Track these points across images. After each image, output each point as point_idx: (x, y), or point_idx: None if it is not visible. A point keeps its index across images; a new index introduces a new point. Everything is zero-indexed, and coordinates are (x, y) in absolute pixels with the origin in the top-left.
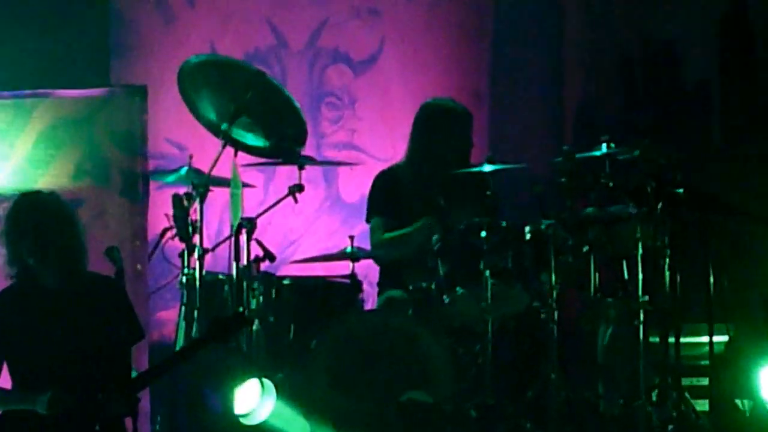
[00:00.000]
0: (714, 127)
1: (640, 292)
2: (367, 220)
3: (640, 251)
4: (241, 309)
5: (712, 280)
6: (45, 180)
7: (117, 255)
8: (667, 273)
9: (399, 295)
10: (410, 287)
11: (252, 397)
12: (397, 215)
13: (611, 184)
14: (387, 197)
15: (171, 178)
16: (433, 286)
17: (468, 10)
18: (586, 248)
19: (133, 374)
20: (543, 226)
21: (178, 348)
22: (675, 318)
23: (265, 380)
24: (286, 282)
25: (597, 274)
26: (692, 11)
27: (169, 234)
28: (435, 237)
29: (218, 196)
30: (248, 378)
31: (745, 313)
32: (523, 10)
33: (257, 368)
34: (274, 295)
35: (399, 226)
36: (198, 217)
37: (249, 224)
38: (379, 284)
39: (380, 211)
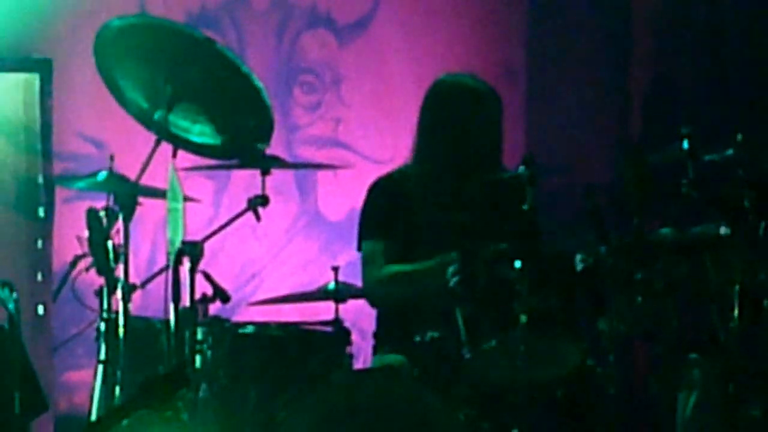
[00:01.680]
0: None
1: (735, 346)
2: (359, 247)
3: (737, 289)
4: (180, 364)
5: None
6: None
7: (9, 293)
8: None
9: (399, 363)
10: (417, 340)
11: None
12: (401, 238)
13: (695, 196)
14: (387, 215)
15: (84, 183)
16: (449, 338)
17: None
18: (660, 285)
19: None
20: (601, 254)
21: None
22: None
23: None
24: (245, 331)
25: (676, 321)
26: None
27: (82, 264)
28: (452, 269)
29: (151, 211)
30: None
31: None
32: None
33: None
34: (228, 349)
35: (404, 255)
36: (123, 241)
37: (193, 250)
38: (375, 335)
39: (378, 234)
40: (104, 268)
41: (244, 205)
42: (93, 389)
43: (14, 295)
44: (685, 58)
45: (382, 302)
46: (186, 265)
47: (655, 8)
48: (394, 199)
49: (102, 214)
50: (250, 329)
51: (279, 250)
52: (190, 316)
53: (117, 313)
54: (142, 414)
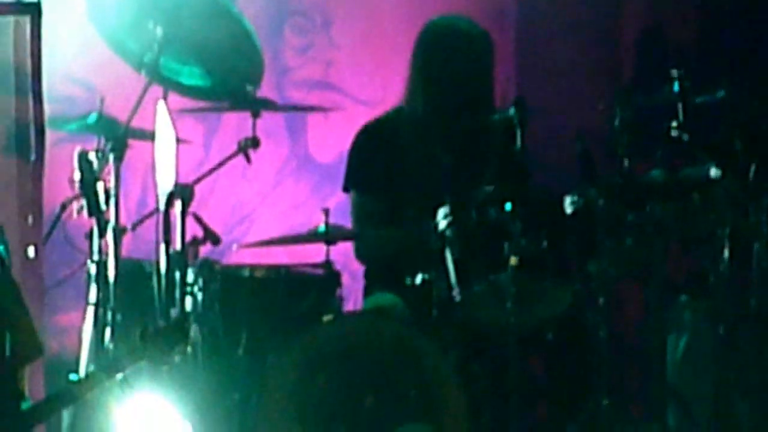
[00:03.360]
0: None
1: (725, 289)
2: (345, 189)
3: (727, 231)
4: (176, 316)
5: None
6: None
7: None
8: (763, 262)
9: (390, 301)
10: (408, 283)
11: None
12: (385, 187)
13: (685, 138)
14: (373, 163)
15: (75, 126)
16: (439, 279)
17: None
18: (650, 227)
19: (26, 404)
20: (591, 197)
21: (85, 366)
22: None
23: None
24: (235, 273)
25: (666, 263)
26: None
27: (72, 207)
28: (443, 212)
29: (141, 153)
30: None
31: None
32: None
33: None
34: (218, 292)
35: (388, 204)
36: (113, 184)
37: (184, 193)
38: (366, 276)
39: (362, 183)
40: (95, 211)
41: (234, 147)
42: (83, 332)
43: (4, 237)
44: (674, 8)
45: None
46: (177, 207)
47: None
48: (381, 147)
49: (92, 156)
50: (240, 272)
51: (269, 192)
52: (181, 258)
53: (107, 255)
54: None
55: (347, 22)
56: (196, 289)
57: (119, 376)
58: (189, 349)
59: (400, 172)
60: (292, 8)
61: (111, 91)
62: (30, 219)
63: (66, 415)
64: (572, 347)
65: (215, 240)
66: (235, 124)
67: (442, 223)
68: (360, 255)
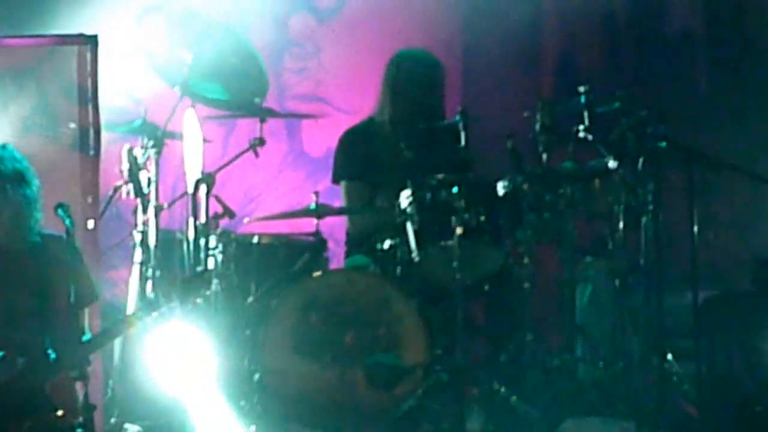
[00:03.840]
0: (700, 78)
1: (619, 251)
2: (334, 180)
3: (622, 208)
4: (201, 269)
5: (696, 238)
6: None
7: (67, 212)
8: (649, 231)
9: (364, 262)
10: (378, 247)
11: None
12: (366, 176)
13: (590, 138)
14: (353, 159)
15: (124, 129)
16: (402, 245)
17: None
18: (563, 205)
19: (86, 336)
20: (518, 182)
21: (131, 309)
22: (657, 277)
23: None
24: (247, 240)
25: (575, 232)
26: None
27: (122, 190)
28: (405, 194)
29: (175, 150)
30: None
31: (733, 273)
32: None
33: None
34: (234, 254)
35: (369, 188)
36: (153, 172)
37: (208, 180)
38: (346, 243)
39: (351, 173)
40: (139, 193)
41: (246, 145)
42: (130, 284)
43: (71, 213)
44: (582, 37)
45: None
46: (202, 190)
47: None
48: (359, 145)
49: (137, 152)
50: (250, 239)
51: (273, 179)
52: (205, 229)
53: (149, 227)
54: (170, 306)
55: (334, 51)
56: (216, 252)
57: (156, 314)
58: (210, 294)
59: (374, 165)
60: (291, 39)
61: (152, 103)
62: (89, 199)
63: (117, 343)
64: (504, 296)
65: (231, 215)
66: (247, 127)
67: (405, 202)
68: (352, 226)
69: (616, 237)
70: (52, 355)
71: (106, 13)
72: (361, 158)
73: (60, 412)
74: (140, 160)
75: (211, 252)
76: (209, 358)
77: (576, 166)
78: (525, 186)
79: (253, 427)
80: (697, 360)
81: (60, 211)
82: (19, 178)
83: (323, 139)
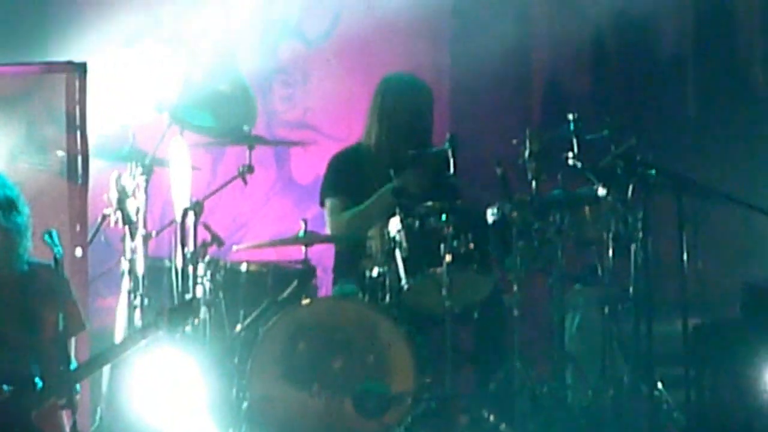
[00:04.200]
0: (689, 103)
1: (609, 279)
2: (321, 203)
3: (611, 235)
4: (188, 298)
5: (686, 265)
6: None
7: (56, 240)
8: (639, 258)
9: (352, 289)
10: (366, 275)
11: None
12: (355, 196)
13: (579, 165)
14: (345, 177)
15: (112, 157)
16: (391, 272)
17: None
18: (552, 232)
19: (73, 365)
20: (507, 209)
21: (120, 337)
22: (647, 305)
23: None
24: (236, 267)
25: (564, 259)
26: None
27: (110, 217)
28: (394, 221)
29: (163, 177)
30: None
31: (722, 300)
32: None
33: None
34: (222, 282)
35: (354, 205)
36: (142, 200)
37: (196, 207)
38: (334, 270)
39: (337, 191)
40: (127, 221)
41: (234, 172)
42: (118, 312)
43: (59, 240)
44: (571, 62)
45: (345, 240)
46: (190, 218)
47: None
48: (350, 166)
49: (126, 179)
50: (239, 267)
51: (261, 206)
52: (193, 257)
53: (137, 254)
54: (158, 335)
55: (321, 78)
56: (205, 280)
57: (144, 342)
58: (198, 323)
59: (362, 191)
60: (279, 67)
61: (140, 130)
62: (78, 227)
63: (105, 371)
64: (493, 323)
65: (220, 243)
66: (235, 154)
67: (393, 229)
68: (338, 240)
69: (606, 264)
70: (39, 384)
71: (95, 41)
72: (350, 179)
73: None
74: (129, 188)
75: (199, 280)
76: (197, 386)
77: (565, 194)
78: (514, 213)
79: None
80: (687, 388)
81: (48, 238)
82: (10, 206)
83: (312, 166)
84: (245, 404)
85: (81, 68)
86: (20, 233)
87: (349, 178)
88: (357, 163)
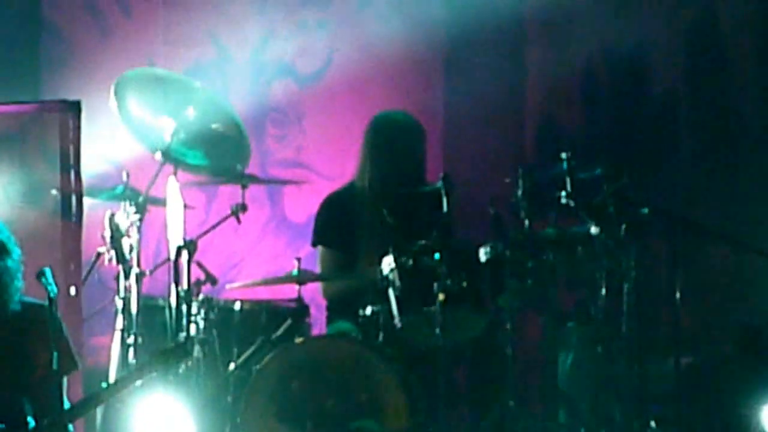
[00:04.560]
0: (682, 140)
1: (602, 317)
2: (312, 245)
3: (604, 274)
4: (182, 339)
5: (679, 304)
6: None
7: (50, 279)
8: (631, 298)
9: (347, 328)
10: (360, 313)
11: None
12: (344, 244)
13: (572, 204)
14: (334, 226)
15: (106, 196)
16: (384, 311)
17: (420, 24)
18: (545, 271)
19: (66, 405)
20: (500, 248)
21: (113, 376)
22: (639, 345)
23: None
24: (229, 306)
25: (557, 298)
26: (657, 21)
27: (104, 256)
28: (387, 260)
29: (157, 216)
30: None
31: (715, 339)
32: (478, 24)
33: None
34: (216, 320)
35: (345, 256)
36: (135, 239)
37: (190, 246)
38: (327, 309)
39: (327, 240)
40: (121, 259)
41: (228, 211)
42: (112, 351)
43: (53, 279)
44: (564, 100)
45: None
46: (184, 257)
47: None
48: (339, 213)
49: (119, 218)
50: (233, 305)
51: (255, 245)
52: (187, 295)
53: (131, 293)
54: (153, 375)
55: (314, 117)
56: (199, 318)
57: (138, 382)
58: (191, 363)
59: (355, 230)
60: (272, 106)
61: (134, 169)
62: (72, 266)
63: (99, 411)
64: (486, 362)
65: (213, 281)
66: (229, 193)
67: (387, 268)
68: (326, 295)
69: (599, 303)
70: (32, 424)
71: (90, 81)
72: (341, 225)
73: None
74: (122, 227)
75: (193, 318)
76: (191, 425)
77: (558, 233)
78: (507, 252)
79: None
80: (679, 426)
81: (42, 278)
82: (1, 249)
83: (305, 205)
84: None
85: (75, 107)
86: (11, 275)
87: (339, 224)
88: (348, 206)
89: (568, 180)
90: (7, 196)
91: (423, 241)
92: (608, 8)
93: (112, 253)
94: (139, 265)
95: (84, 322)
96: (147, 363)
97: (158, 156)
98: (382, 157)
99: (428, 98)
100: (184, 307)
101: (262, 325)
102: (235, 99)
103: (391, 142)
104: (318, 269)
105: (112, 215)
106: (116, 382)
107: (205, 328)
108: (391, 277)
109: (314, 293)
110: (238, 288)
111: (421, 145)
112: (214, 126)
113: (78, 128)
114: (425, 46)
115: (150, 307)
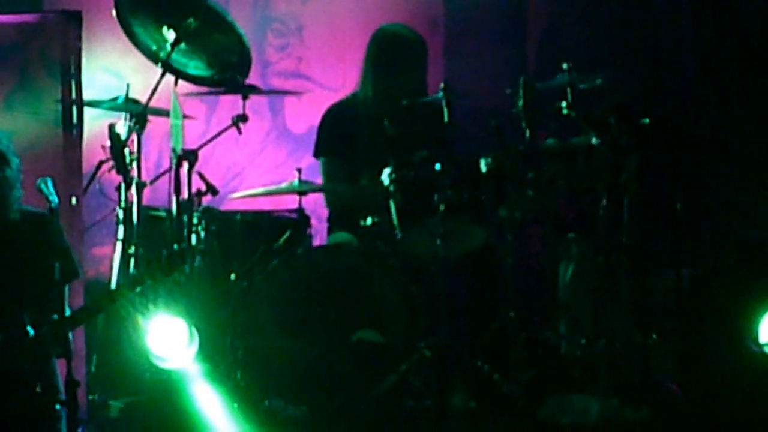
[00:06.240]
0: (685, 52)
1: (603, 228)
2: (315, 156)
3: (604, 185)
4: (177, 246)
5: (680, 216)
6: None
7: (51, 188)
8: (632, 209)
9: (347, 238)
10: (361, 224)
11: (175, 341)
12: (346, 153)
13: (573, 115)
14: (336, 135)
15: (107, 106)
16: (385, 222)
17: None
18: (546, 182)
19: (68, 312)
20: (501, 159)
21: (114, 286)
22: (640, 256)
23: (192, 328)
24: (230, 216)
25: (558, 209)
26: None
27: (105, 166)
28: (387, 171)
29: (157, 126)
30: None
31: (717, 254)
32: None
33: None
34: (217, 231)
35: (348, 166)
36: (136, 149)
37: (190, 156)
38: (328, 220)
39: (330, 150)
40: (122, 170)
41: (229, 122)
42: (113, 261)
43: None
44: (567, 12)
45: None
46: (185, 167)
47: None
48: (341, 123)
49: (120, 128)
50: (233, 216)
51: (256, 156)
52: (188, 206)
53: (132, 203)
54: (150, 283)
55: (315, 28)
56: (199, 229)
57: (137, 290)
58: (193, 271)
59: (356, 142)
60: (273, 16)
61: (135, 79)
62: (73, 176)
63: (100, 319)
64: (487, 272)
65: (214, 192)
66: (230, 104)
67: (387, 180)
68: (328, 204)
69: (600, 214)
70: (31, 332)
71: None
72: (343, 135)
73: (39, 390)
74: (123, 137)
75: (193, 229)
76: (192, 334)
77: (559, 144)
78: (508, 163)
79: (235, 405)
80: (680, 338)
81: (43, 187)
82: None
83: (306, 115)
84: (239, 353)
85: (76, 17)
86: (10, 184)
87: (341, 135)
88: (350, 117)
89: (569, 91)
90: (8, 106)
91: (424, 152)
92: None
93: (113, 163)
94: (139, 175)
95: (85, 232)
96: (145, 271)
97: (159, 66)
98: (384, 71)
99: (429, 8)
100: (184, 218)
101: (263, 236)
102: (236, 9)
103: (392, 57)
104: (320, 180)
105: (112, 125)
106: (117, 289)
107: (205, 238)
108: (391, 188)
109: (315, 204)
110: (239, 198)
111: (422, 59)
112: (215, 36)
113: (79, 39)
114: None
115: (151, 218)
